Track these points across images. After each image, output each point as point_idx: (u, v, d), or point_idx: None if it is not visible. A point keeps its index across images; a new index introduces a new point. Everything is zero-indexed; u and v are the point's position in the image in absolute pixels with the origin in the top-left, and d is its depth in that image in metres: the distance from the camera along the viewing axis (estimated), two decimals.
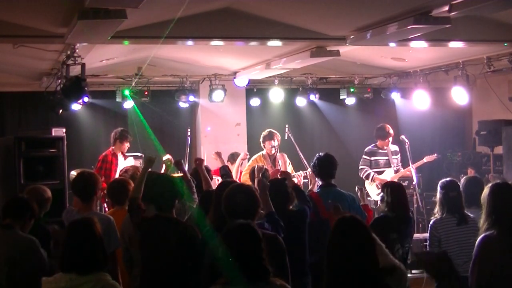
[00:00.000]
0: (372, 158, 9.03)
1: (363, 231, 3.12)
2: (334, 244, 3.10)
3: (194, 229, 4.52)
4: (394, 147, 9.18)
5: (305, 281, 4.88)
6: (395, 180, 8.88)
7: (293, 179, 7.88)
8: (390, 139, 9.04)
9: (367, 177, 8.92)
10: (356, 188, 6.06)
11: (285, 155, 8.66)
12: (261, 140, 8.73)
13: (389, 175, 8.90)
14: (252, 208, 3.95)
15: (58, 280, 3.51)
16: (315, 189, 6.00)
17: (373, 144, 9.15)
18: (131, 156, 9.16)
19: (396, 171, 9.03)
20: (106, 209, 7.43)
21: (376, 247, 3.12)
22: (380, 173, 8.96)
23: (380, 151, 9.06)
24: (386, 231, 4.85)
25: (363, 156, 9.09)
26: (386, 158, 9.05)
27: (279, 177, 5.71)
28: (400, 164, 9.17)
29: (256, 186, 5.17)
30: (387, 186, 5.32)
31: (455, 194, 5.27)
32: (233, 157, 9.10)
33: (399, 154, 9.18)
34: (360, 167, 9.05)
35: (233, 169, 8.28)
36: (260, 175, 5.98)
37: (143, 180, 4.73)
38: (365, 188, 8.96)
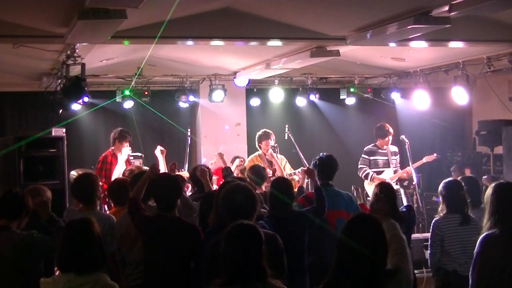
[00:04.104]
0: (371, 158, 9.01)
1: (377, 229, 3.10)
2: (346, 237, 3.07)
3: (196, 228, 4.53)
4: (394, 148, 9.16)
5: (303, 281, 4.88)
6: (394, 180, 8.88)
7: (294, 177, 8.01)
8: (390, 138, 9.01)
9: (366, 176, 8.90)
10: (353, 188, 6.06)
11: (279, 156, 8.58)
12: (256, 140, 8.71)
13: (388, 175, 8.88)
14: (250, 208, 3.95)
15: (56, 281, 3.50)
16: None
17: (373, 144, 9.12)
18: (131, 156, 9.17)
19: (395, 172, 9.01)
20: (107, 210, 7.43)
21: (387, 249, 3.09)
22: (379, 173, 8.94)
23: (380, 151, 9.04)
24: None
25: (362, 156, 9.07)
26: (386, 158, 9.03)
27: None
28: (399, 165, 9.15)
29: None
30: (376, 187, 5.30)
31: (463, 193, 5.28)
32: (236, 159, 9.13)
33: (398, 155, 9.16)
34: (359, 166, 9.04)
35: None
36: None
37: (145, 184, 4.74)
38: (364, 188, 8.98)
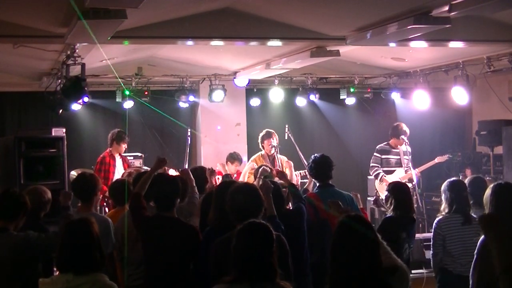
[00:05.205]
0: (383, 157, 8.99)
1: (368, 229, 3.11)
2: (339, 241, 3.09)
3: (195, 229, 4.53)
4: (407, 147, 9.13)
5: (305, 281, 4.87)
6: (405, 180, 8.86)
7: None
8: (405, 138, 8.99)
9: (376, 176, 8.92)
10: (352, 194, 6.03)
11: (291, 163, 8.44)
12: (259, 140, 8.72)
13: (399, 175, 8.84)
14: (256, 208, 3.95)
15: (55, 281, 3.50)
16: (314, 190, 5.99)
17: (386, 143, 9.11)
18: (130, 156, 9.18)
19: (406, 172, 8.97)
20: (107, 210, 7.44)
21: (379, 246, 3.12)
22: (390, 172, 8.90)
23: (393, 150, 9.02)
24: (396, 230, 4.87)
25: (374, 154, 9.05)
26: (398, 157, 8.99)
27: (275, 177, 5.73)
28: (410, 165, 9.09)
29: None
30: (392, 187, 5.32)
31: (466, 194, 5.28)
32: (232, 157, 9.10)
33: (411, 155, 9.11)
34: (371, 164, 9.03)
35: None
36: (262, 177, 5.96)
37: (150, 179, 4.72)
38: (375, 188, 9.00)
